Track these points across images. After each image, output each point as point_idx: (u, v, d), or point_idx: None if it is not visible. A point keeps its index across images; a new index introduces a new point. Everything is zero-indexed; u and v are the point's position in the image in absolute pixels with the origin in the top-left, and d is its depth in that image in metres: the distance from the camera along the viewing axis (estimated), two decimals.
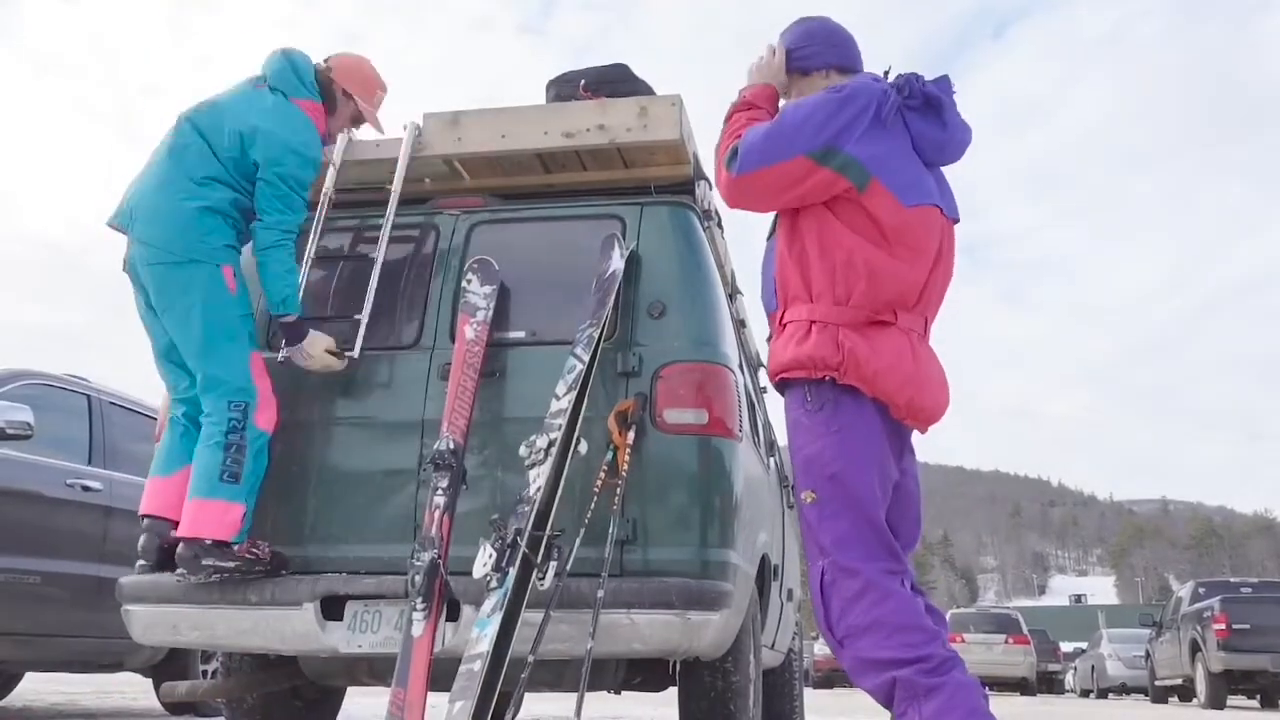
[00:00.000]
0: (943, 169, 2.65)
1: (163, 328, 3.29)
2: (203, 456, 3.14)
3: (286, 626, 3.09)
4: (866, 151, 2.39)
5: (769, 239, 2.68)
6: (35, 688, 8.15)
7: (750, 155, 2.44)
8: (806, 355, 2.38)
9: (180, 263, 3.20)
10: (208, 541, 3.07)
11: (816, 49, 2.71)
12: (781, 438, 5.54)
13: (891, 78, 2.55)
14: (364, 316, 3.34)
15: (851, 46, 2.73)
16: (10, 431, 4.76)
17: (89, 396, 5.69)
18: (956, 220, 2.61)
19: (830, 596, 2.31)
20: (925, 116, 2.50)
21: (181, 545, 3.09)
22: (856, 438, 2.35)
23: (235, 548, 3.08)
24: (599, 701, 9.17)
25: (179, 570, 3.12)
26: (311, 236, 3.50)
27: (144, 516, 3.29)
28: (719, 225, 3.90)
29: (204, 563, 3.06)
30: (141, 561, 3.27)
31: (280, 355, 3.28)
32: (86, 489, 5.31)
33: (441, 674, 2.82)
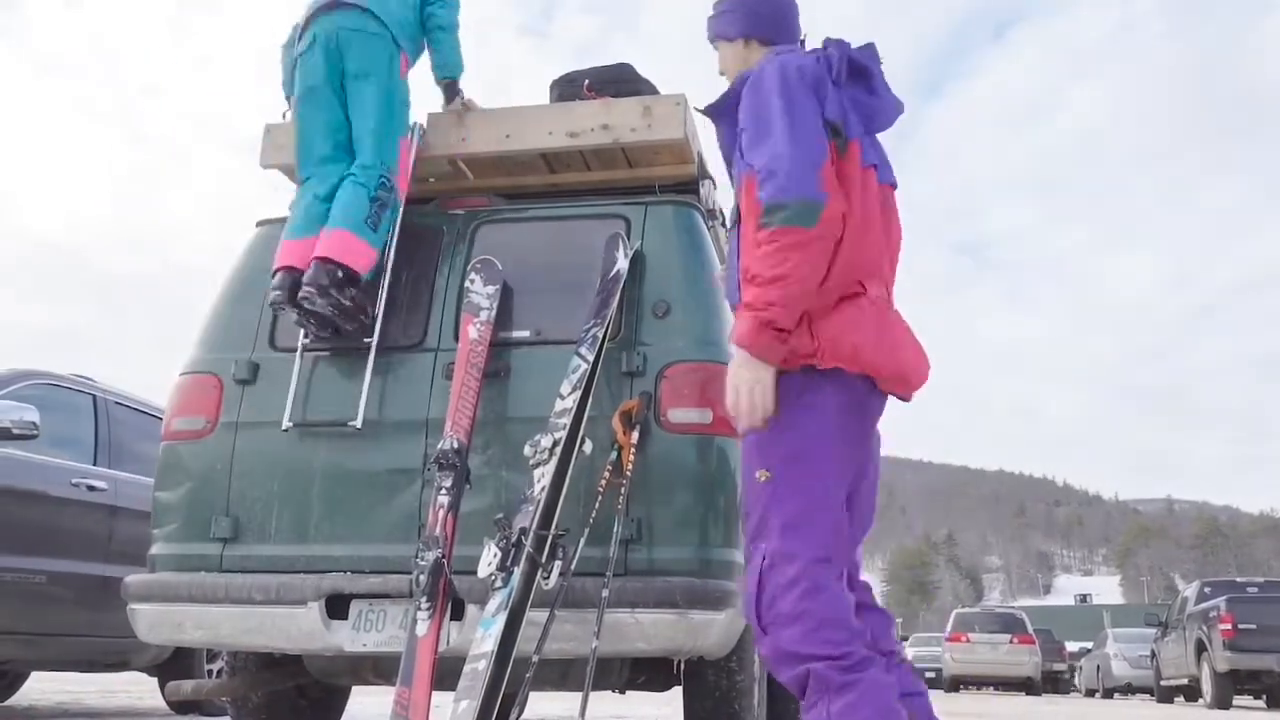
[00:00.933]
0: (879, 136, 2.52)
1: (339, 101, 3.53)
2: (352, 196, 3.41)
3: (291, 625, 3.09)
4: (835, 112, 2.30)
5: (731, 229, 2.52)
6: (41, 687, 8.17)
7: (789, 184, 2.19)
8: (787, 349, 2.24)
9: (380, 35, 3.54)
10: (344, 270, 3.28)
11: (734, 15, 2.58)
12: None
13: (809, 46, 2.46)
14: (374, 339, 3.34)
15: (779, 16, 2.57)
16: (16, 431, 4.77)
17: (94, 396, 5.70)
18: (894, 185, 2.50)
19: (766, 581, 2.20)
20: (855, 84, 2.40)
21: (315, 265, 3.28)
22: (822, 418, 2.24)
23: (350, 295, 3.29)
24: (603, 701, 9.16)
25: (303, 290, 3.26)
26: None
27: (279, 270, 3.37)
28: (723, 224, 3.90)
29: (331, 292, 3.25)
30: (277, 292, 3.34)
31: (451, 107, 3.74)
32: (92, 489, 5.32)
33: (446, 673, 2.82)
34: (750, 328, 2.17)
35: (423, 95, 3.75)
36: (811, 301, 2.21)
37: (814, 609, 2.14)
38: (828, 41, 2.41)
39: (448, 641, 2.92)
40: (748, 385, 2.20)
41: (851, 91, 2.38)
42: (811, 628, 2.13)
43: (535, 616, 2.80)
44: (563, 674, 3.24)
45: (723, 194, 3.86)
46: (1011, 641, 21.32)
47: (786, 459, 2.22)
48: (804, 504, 2.20)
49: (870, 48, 2.45)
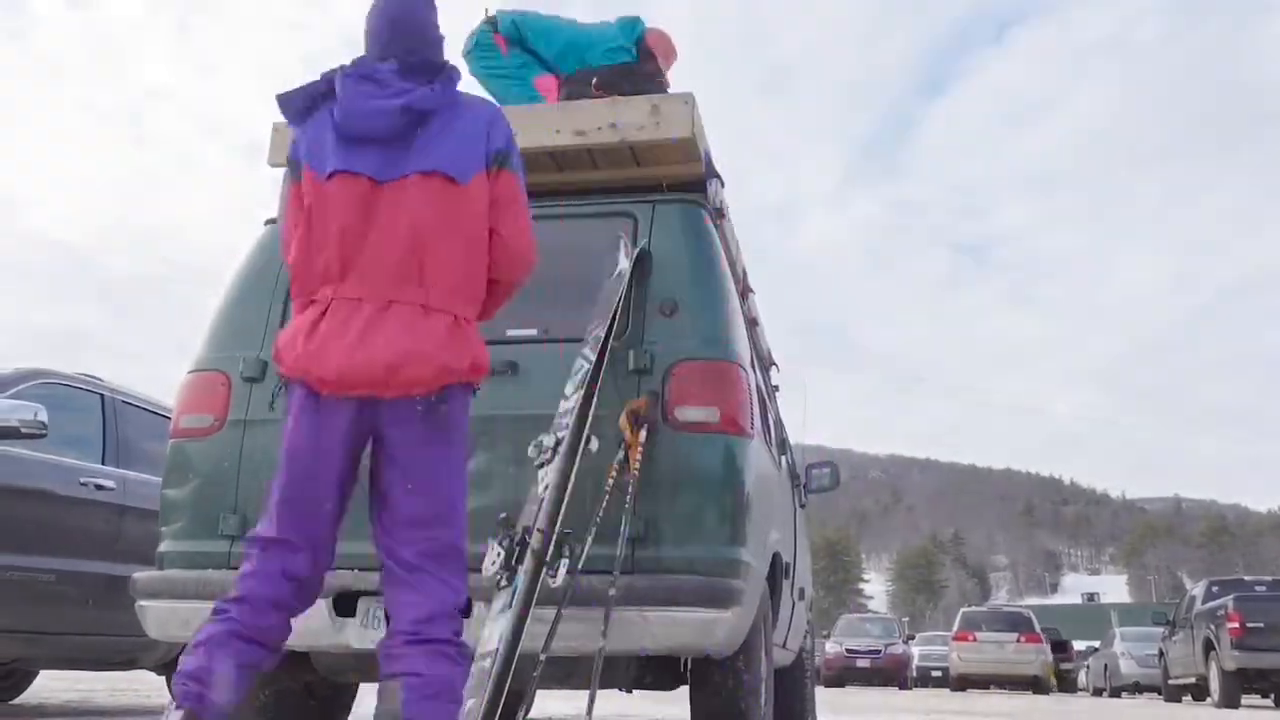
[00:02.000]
0: (437, 132, 2.48)
1: None
2: None
3: (298, 622, 3.09)
4: (298, 148, 2.49)
5: None
6: (49, 685, 8.20)
7: None
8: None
9: None
10: None
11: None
12: (791, 437, 5.55)
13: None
14: None
15: (369, 38, 2.56)
16: (25, 430, 4.78)
17: (102, 396, 5.72)
18: (431, 172, 2.43)
19: None
20: (328, 101, 2.50)
21: None
22: (289, 419, 2.44)
23: None
24: (610, 699, 9.17)
25: None
26: None
27: None
28: (730, 222, 3.89)
29: None
30: None
31: None
32: (100, 488, 5.34)
33: None
34: None
35: None
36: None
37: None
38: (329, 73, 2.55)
39: None
40: None
41: (328, 108, 2.50)
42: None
43: (542, 614, 2.80)
44: (569, 672, 3.24)
45: (729, 193, 3.86)
46: (1018, 640, 21.29)
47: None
48: (272, 495, 2.46)
49: (356, 63, 2.52)
